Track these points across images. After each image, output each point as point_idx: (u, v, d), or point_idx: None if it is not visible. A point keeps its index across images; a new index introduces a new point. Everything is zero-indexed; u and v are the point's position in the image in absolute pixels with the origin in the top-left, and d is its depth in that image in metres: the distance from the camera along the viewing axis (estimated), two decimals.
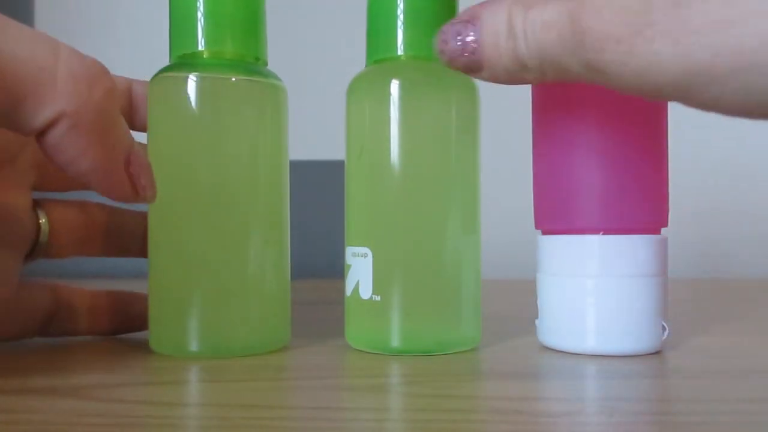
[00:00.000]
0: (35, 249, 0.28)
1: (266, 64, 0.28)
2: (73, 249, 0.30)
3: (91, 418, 0.18)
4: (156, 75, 0.27)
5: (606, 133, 0.26)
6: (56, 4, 0.71)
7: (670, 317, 0.26)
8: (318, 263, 0.70)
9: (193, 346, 0.26)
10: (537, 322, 0.28)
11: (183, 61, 0.26)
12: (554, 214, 0.27)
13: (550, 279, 0.27)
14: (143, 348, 0.28)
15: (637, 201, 0.26)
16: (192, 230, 0.26)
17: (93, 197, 0.27)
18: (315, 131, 0.71)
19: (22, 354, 0.27)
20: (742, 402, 0.20)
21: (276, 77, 0.27)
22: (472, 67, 0.22)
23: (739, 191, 0.68)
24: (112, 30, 0.72)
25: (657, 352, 0.26)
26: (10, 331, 0.27)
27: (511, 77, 0.22)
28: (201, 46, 0.26)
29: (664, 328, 0.26)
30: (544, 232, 0.28)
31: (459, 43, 0.22)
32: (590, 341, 0.26)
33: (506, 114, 0.70)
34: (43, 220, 0.29)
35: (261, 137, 0.27)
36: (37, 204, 0.29)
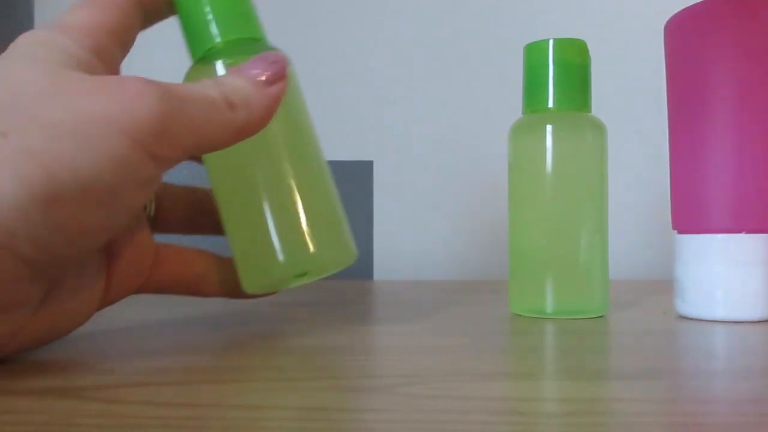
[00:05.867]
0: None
1: (266, 41, 0.31)
2: (181, 226, 0.31)
3: (91, 419, 0.18)
4: (191, 69, 0.30)
5: (742, 138, 0.28)
6: (56, 4, 0.71)
7: None
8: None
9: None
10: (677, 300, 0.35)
11: (206, 55, 0.30)
12: (691, 216, 0.32)
13: (686, 266, 0.33)
14: (144, 348, 0.28)
15: None
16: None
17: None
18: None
19: (21, 354, 0.27)
20: (742, 402, 0.20)
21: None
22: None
23: None
24: None
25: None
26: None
27: None
28: (217, 40, 0.29)
29: None
30: (680, 232, 0.33)
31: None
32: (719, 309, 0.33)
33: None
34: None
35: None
36: None
